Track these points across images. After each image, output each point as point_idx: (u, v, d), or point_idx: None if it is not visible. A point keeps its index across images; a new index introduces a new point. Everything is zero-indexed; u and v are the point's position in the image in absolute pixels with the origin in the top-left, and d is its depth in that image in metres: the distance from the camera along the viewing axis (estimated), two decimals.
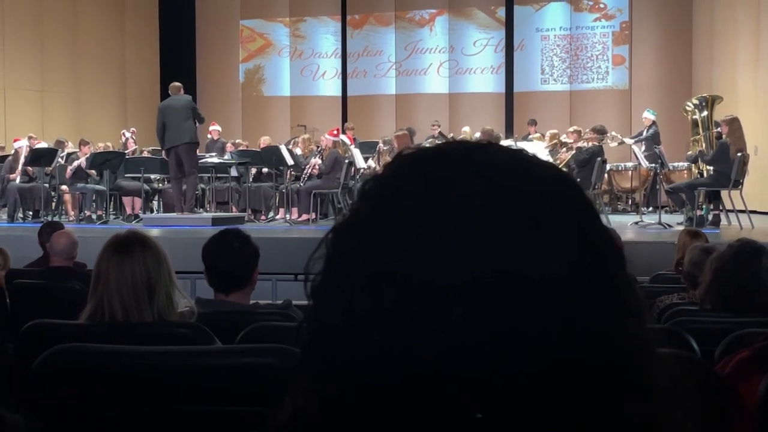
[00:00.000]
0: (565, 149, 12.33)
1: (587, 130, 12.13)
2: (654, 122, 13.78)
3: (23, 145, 12.86)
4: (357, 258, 0.65)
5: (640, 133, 13.83)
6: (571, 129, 12.69)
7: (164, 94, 19.41)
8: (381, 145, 13.13)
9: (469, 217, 0.62)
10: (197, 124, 11.62)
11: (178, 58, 19.29)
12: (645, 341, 0.66)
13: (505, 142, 10.36)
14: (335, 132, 12.90)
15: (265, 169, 13.02)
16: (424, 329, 0.61)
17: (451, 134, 15.61)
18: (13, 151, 13.06)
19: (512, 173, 0.66)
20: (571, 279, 0.62)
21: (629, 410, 0.63)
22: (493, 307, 0.61)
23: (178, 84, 11.95)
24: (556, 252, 0.62)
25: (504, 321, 0.61)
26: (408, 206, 0.64)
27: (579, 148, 11.69)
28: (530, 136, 14.61)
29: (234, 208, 13.14)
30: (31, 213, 12.88)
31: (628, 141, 12.02)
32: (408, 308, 0.62)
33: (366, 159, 12.93)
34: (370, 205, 0.67)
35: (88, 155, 12.71)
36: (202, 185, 13.39)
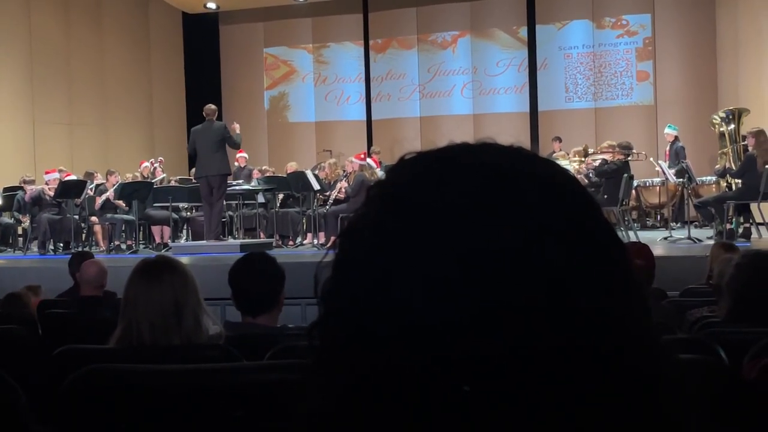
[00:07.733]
0: (581, 161, 12.24)
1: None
2: (676, 137, 13.57)
3: (53, 177, 12.94)
4: (363, 261, 0.65)
5: (678, 160, 12.90)
6: (604, 144, 12.51)
7: (190, 123, 19.58)
8: None
9: (469, 215, 0.63)
10: (233, 149, 11.56)
11: (203, 87, 19.45)
12: (651, 335, 0.66)
13: None
14: (362, 156, 12.93)
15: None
16: (434, 329, 0.62)
17: None
18: (44, 184, 13.14)
19: (512, 169, 0.66)
20: (571, 268, 0.63)
21: (632, 404, 0.63)
22: (498, 303, 0.61)
23: (213, 107, 11.86)
24: (560, 245, 0.63)
25: (508, 316, 0.61)
26: (410, 207, 0.65)
27: (604, 160, 11.62)
28: (554, 154, 14.53)
29: (262, 235, 13.19)
30: (62, 245, 12.98)
31: (664, 166, 11.82)
32: (416, 308, 0.62)
33: None
34: (375, 209, 0.68)
35: (116, 185, 12.83)
36: (230, 212, 13.45)
